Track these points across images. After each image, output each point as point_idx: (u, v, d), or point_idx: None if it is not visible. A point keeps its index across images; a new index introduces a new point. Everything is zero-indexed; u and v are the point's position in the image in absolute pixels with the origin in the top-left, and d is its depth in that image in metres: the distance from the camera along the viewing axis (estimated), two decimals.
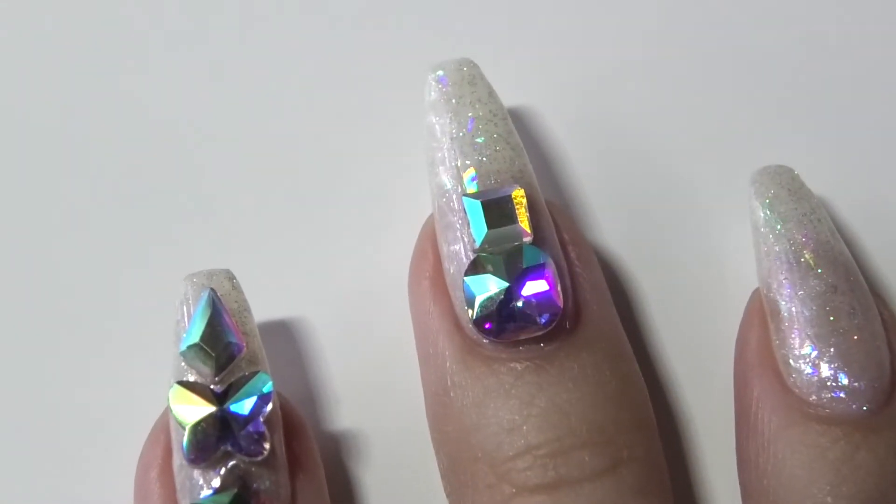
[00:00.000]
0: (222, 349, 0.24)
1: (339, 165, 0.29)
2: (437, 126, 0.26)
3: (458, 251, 0.25)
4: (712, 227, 0.28)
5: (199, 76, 0.29)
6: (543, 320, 0.24)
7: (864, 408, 0.25)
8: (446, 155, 0.26)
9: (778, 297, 0.25)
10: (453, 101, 0.26)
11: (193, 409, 0.24)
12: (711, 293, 0.28)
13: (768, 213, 0.26)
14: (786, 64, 0.30)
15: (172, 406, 0.24)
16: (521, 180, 0.25)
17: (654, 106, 0.29)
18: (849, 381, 0.25)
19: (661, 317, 0.28)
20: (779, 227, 0.26)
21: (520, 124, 0.28)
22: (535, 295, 0.24)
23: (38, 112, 0.29)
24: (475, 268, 0.25)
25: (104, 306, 0.28)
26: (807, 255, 0.25)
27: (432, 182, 0.26)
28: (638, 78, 0.29)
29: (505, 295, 0.24)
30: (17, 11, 0.30)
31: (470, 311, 0.24)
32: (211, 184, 0.29)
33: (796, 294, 0.25)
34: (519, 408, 0.24)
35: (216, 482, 0.24)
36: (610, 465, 0.24)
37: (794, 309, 0.25)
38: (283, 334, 0.28)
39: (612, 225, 0.29)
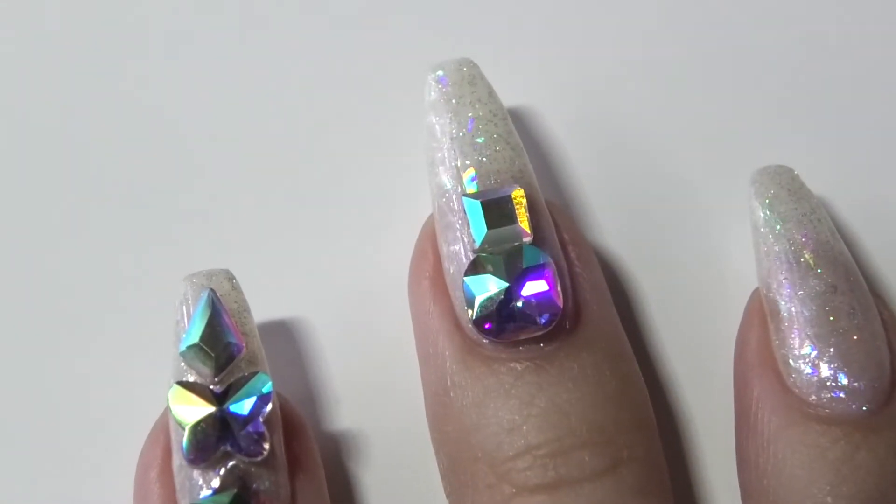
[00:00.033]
0: (222, 349, 0.24)
1: (339, 165, 0.29)
2: (437, 126, 0.26)
3: (458, 251, 0.25)
4: (712, 227, 0.28)
5: (199, 76, 0.29)
6: (543, 320, 0.24)
7: (864, 408, 0.25)
8: (446, 155, 0.26)
9: (778, 297, 0.25)
10: (453, 101, 0.26)
11: (193, 410, 0.24)
12: (711, 293, 0.28)
13: (768, 213, 0.26)
14: (786, 64, 0.30)
15: (172, 406, 0.24)
16: (521, 180, 0.25)
17: (654, 106, 0.29)
18: (849, 381, 0.25)
19: (661, 317, 0.28)
20: (779, 227, 0.26)
21: (520, 124, 0.28)
22: (535, 295, 0.24)
23: (38, 112, 0.29)
24: (475, 268, 0.25)
25: (104, 306, 0.28)
26: (806, 255, 0.25)
27: (432, 182, 0.26)
28: (638, 78, 0.29)
29: (505, 295, 0.24)
30: (18, 12, 0.30)
31: (470, 311, 0.24)
32: (211, 184, 0.29)
33: (796, 294, 0.25)
34: (519, 408, 0.24)
35: (216, 482, 0.24)
36: (610, 465, 0.24)
37: (793, 309, 0.25)
38: (283, 334, 0.28)
39: (612, 225, 0.29)
